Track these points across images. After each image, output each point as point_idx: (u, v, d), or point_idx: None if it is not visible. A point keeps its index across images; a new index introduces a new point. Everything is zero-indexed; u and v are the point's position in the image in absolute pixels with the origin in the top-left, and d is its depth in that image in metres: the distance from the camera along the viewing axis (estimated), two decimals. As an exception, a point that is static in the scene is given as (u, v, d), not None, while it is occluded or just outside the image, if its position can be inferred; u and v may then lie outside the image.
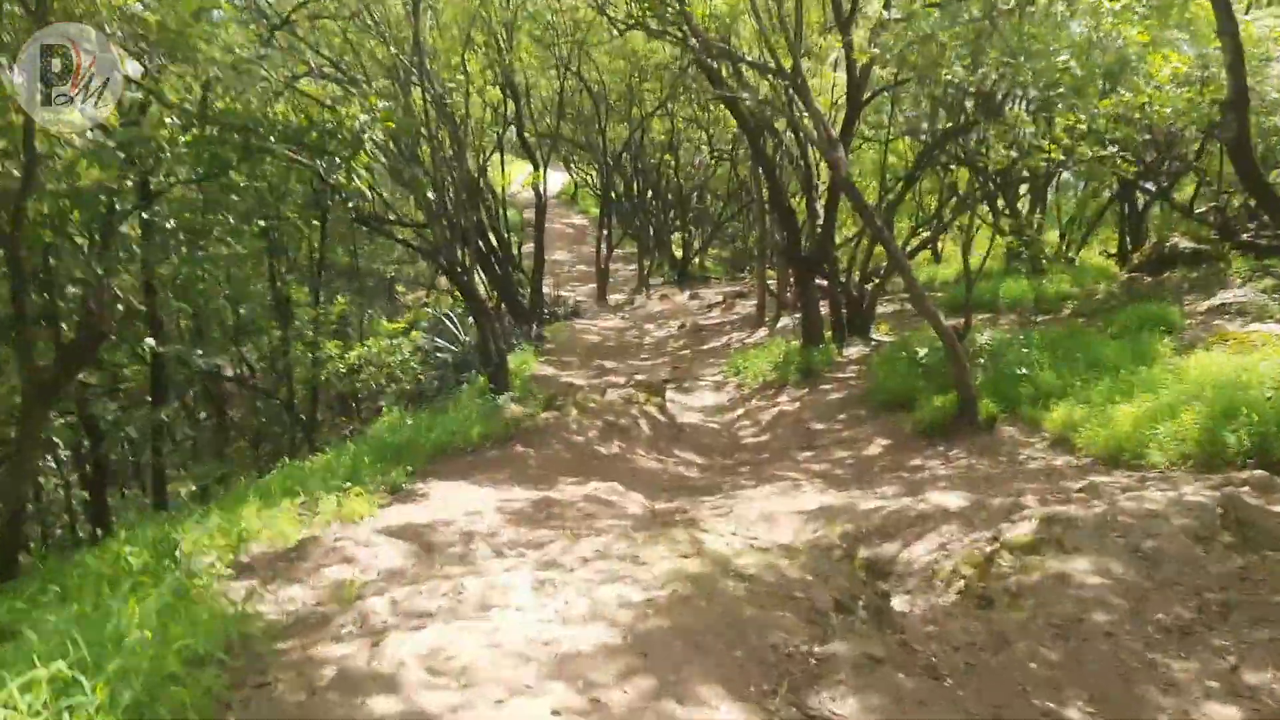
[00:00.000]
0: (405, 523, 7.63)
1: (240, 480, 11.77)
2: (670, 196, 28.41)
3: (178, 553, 5.80)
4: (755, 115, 15.49)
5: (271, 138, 10.27)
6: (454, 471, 9.99)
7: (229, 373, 18.29)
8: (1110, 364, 11.46)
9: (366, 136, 10.05)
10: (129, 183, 10.35)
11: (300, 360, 15.16)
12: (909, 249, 17.56)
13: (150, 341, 11.45)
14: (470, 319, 17.66)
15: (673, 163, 27.21)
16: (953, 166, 18.24)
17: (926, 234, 18.75)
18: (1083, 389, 10.93)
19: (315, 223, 17.84)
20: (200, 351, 11.32)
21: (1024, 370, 11.90)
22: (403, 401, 16.89)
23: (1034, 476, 9.20)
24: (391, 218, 17.66)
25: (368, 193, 14.70)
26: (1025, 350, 12.39)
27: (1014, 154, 10.67)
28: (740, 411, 13.99)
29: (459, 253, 14.58)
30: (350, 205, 15.06)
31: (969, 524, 6.73)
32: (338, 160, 10.19)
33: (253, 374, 18.54)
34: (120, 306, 10.23)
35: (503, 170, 22.34)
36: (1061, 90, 10.40)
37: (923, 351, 12.84)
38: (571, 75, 22.47)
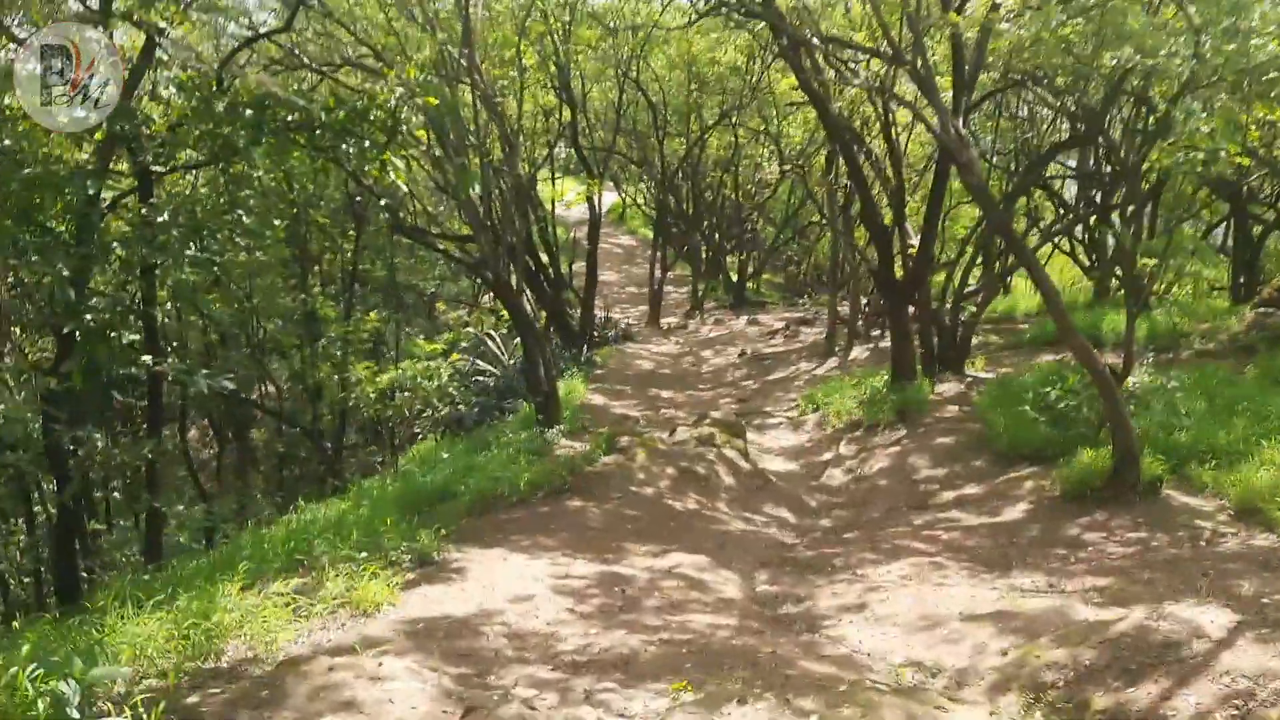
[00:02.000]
0: (435, 617, 5.46)
1: (244, 530, 9.65)
2: (727, 216, 26.20)
3: (68, 694, 3.60)
4: (845, 122, 13.29)
5: (290, 117, 8.21)
6: (497, 531, 7.78)
7: (248, 394, 16.30)
8: (1283, 418, 9.17)
9: (404, 116, 7.94)
10: (121, 168, 8.33)
11: (327, 383, 13.07)
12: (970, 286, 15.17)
13: (146, 359, 9.40)
14: (515, 340, 15.54)
15: (730, 181, 25.01)
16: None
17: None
18: (1265, 448, 8.60)
19: (351, 231, 15.84)
20: (206, 371, 9.24)
21: (1182, 421, 9.57)
22: (439, 429, 14.76)
23: (1237, 564, 6.89)
24: (434, 229, 15.64)
25: (406, 194, 12.66)
26: (1177, 396, 10.03)
27: (1197, 155, 8.33)
28: (828, 456, 11.69)
29: (506, 267, 12.46)
30: (386, 211, 13.02)
31: (1252, 658, 4.44)
32: (369, 147, 8.06)
33: (279, 395, 16.55)
34: (103, 317, 8.14)
35: (553, 182, 20.27)
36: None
37: (1052, 393, 10.49)
38: (630, 84, 20.38)
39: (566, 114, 17.62)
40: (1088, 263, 19.90)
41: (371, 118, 8.36)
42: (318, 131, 8.41)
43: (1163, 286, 18.99)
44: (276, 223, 12.29)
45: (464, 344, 18.61)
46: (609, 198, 34.28)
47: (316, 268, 17.56)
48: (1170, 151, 8.83)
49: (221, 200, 10.26)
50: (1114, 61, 9.64)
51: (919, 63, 9.12)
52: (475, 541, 7.40)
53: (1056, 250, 21.07)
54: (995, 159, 18.60)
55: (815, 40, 10.21)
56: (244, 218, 9.71)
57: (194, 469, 16.52)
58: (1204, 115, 9.12)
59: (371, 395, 13.04)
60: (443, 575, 6.46)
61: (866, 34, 13.81)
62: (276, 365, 14.42)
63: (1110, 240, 18.84)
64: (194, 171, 12.15)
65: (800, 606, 6.30)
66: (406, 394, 13.45)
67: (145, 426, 9.99)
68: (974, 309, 14.20)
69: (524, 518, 8.17)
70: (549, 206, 20.45)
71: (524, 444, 11.30)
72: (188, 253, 9.08)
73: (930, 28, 9.31)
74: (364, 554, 6.55)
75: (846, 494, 10.24)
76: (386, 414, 13.64)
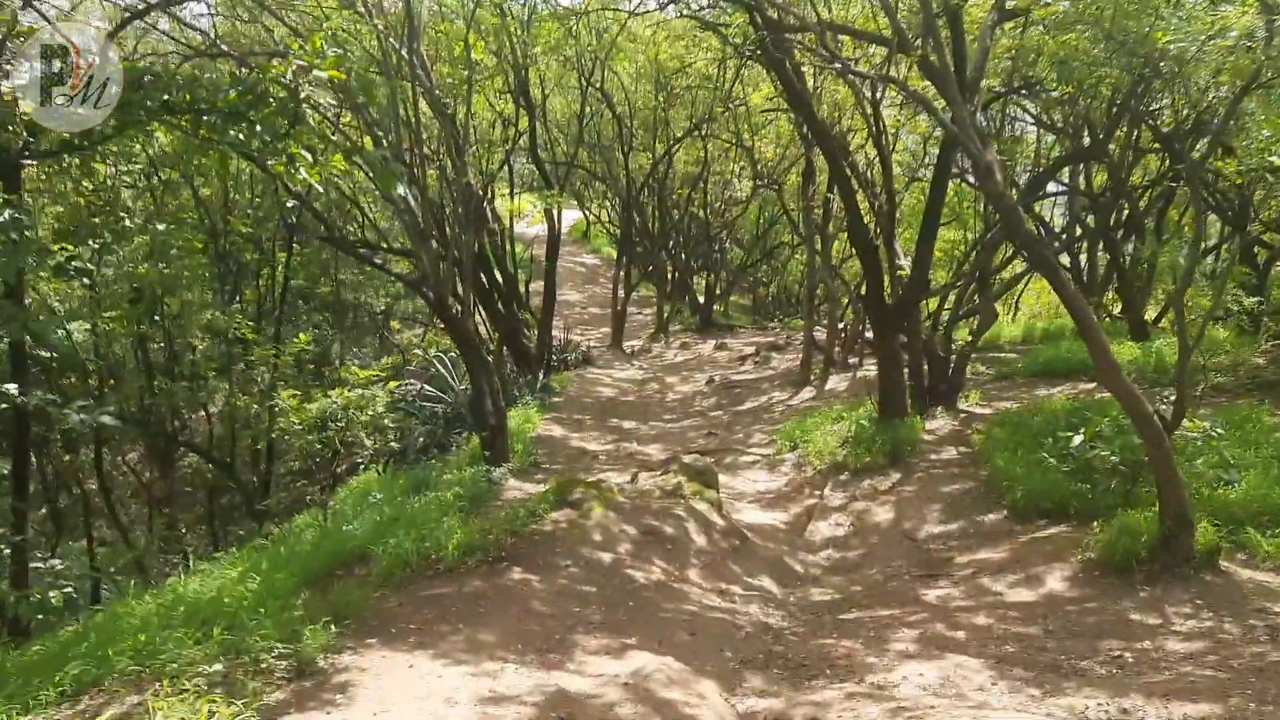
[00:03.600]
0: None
1: (117, 594, 7.76)
2: (694, 235, 24.58)
3: None
4: (828, 132, 11.74)
5: (166, 96, 6.47)
6: (413, 616, 6.00)
7: (179, 422, 14.33)
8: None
9: (304, 93, 6.21)
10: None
11: (244, 412, 11.20)
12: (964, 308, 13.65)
13: (10, 388, 7.55)
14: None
15: (699, 198, 23.40)
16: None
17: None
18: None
19: (288, 244, 13.99)
20: (82, 404, 7.44)
21: (1230, 476, 8.03)
22: (383, 459, 12.91)
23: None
24: (383, 244, 13.86)
25: (347, 205, 10.91)
26: (1219, 444, 8.48)
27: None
28: (810, 502, 10.02)
29: (454, 284, 10.73)
30: (316, 219, 11.22)
31: None
32: (262, 133, 6.31)
33: (208, 423, 14.60)
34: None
35: (512, 196, 18.54)
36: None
37: (1075, 439, 8.90)
38: (594, 92, 18.74)
39: (524, 121, 15.89)
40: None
41: (271, 100, 6.62)
42: (204, 116, 6.67)
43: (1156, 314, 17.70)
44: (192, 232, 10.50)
45: (412, 367, 16.80)
46: (572, 215, 32.59)
47: (255, 283, 15.68)
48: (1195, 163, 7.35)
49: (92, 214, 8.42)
50: (1125, 71, 8.25)
51: (932, 52, 7.55)
52: (381, 634, 5.62)
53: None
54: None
55: (809, 24, 8.56)
56: (129, 222, 7.89)
57: (110, 502, 14.50)
58: (1262, 118, 7.70)
59: (296, 425, 11.21)
60: (322, 694, 4.69)
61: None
62: (205, 392, 12.49)
63: (1102, 263, 17.54)
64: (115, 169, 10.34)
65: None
66: (338, 426, 11.64)
67: (10, 470, 8.08)
68: (969, 337, 12.66)
69: (450, 595, 6.39)
70: (506, 221, 18.71)
71: (465, 486, 9.55)
72: (51, 261, 7.27)
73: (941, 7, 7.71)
74: (222, 662, 4.77)
75: (836, 554, 8.58)
76: (315, 447, 11.78)
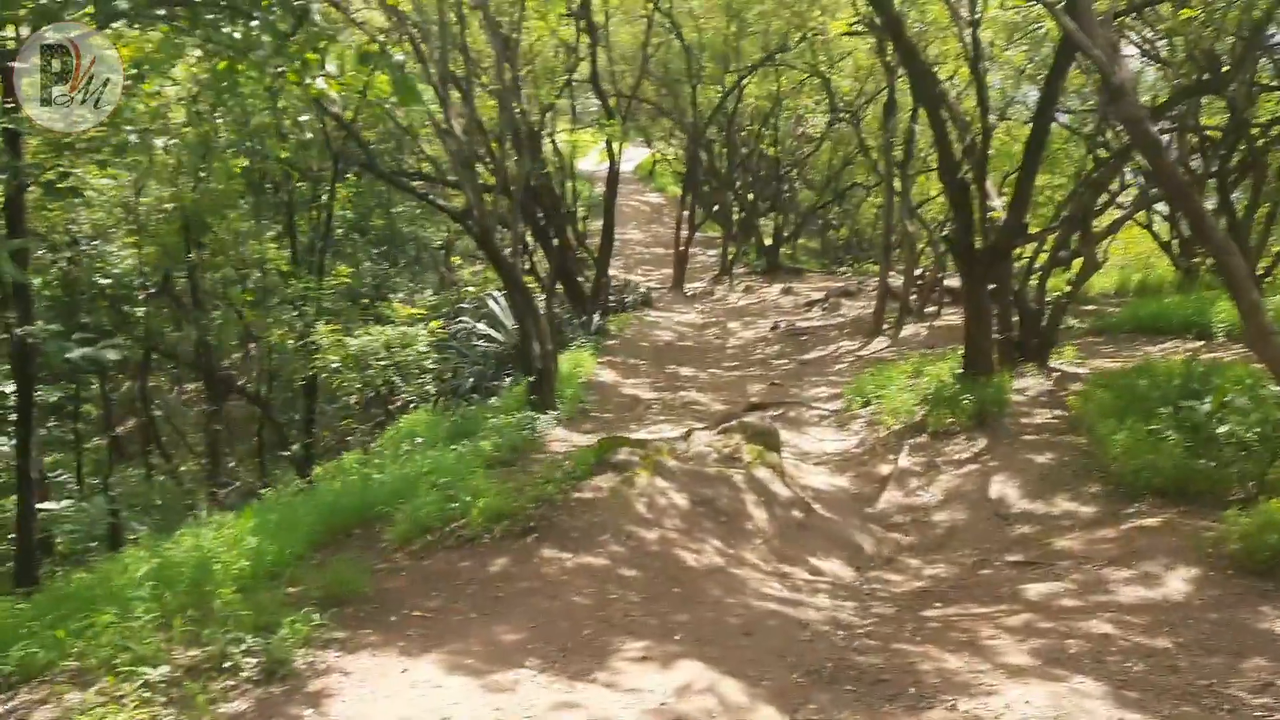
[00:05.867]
0: None
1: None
2: (762, 174, 23.05)
3: None
4: (916, 52, 10.27)
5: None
6: (417, 602, 5.02)
7: (225, 357, 13.62)
8: None
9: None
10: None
11: (281, 347, 10.36)
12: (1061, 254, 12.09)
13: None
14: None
15: (768, 135, 21.84)
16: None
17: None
18: None
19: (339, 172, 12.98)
20: (80, 336, 6.60)
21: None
22: (437, 397, 11.97)
23: None
24: (426, 169, 12.82)
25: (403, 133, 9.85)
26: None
27: None
28: (884, 469, 8.83)
29: (497, 219, 9.66)
30: (355, 143, 10.18)
31: None
32: (271, 37, 5.25)
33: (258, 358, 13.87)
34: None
35: (572, 128, 17.31)
36: None
37: (1198, 407, 7.54)
38: (661, 18, 17.28)
39: (585, 44, 14.57)
40: (1167, 238, 16.68)
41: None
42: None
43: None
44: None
45: (465, 304, 15.86)
46: (640, 153, 31.17)
47: (309, 214, 14.78)
48: None
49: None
50: None
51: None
52: (379, 623, 4.66)
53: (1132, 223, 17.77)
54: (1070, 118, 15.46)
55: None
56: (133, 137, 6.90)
57: (157, 433, 13.92)
58: None
59: (334, 363, 10.38)
60: (288, 708, 3.74)
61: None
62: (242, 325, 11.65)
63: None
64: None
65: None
66: (379, 364, 10.79)
67: (15, 404, 7.31)
68: (1066, 287, 11.20)
69: (468, 573, 5.40)
70: (567, 155, 17.51)
71: (505, 435, 8.57)
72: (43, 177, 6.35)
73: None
74: (184, 657, 3.85)
75: (916, 531, 7.41)
76: (356, 387, 10.94)
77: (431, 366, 10.91)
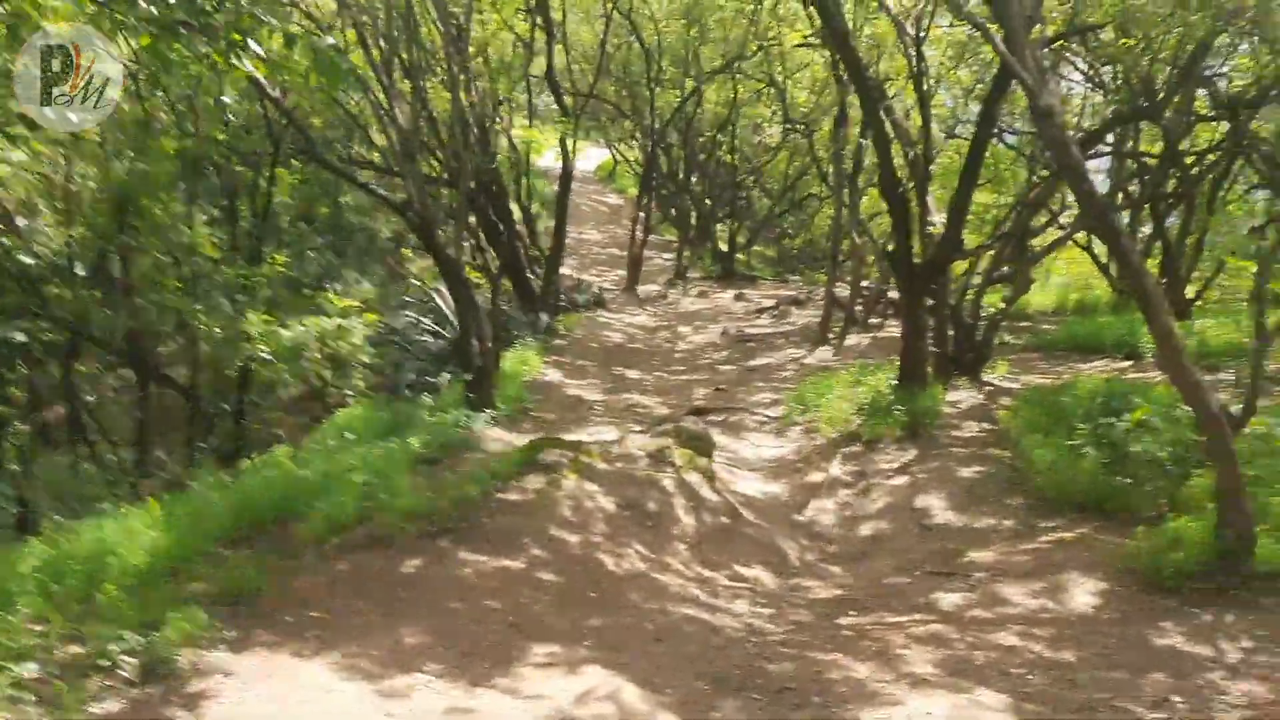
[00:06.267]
0: None
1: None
2: (719, 180, 23.12)
3: None
4: (863, 68, 10.35)
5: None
6: (323, 603, 4.94)
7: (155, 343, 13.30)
8: None
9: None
10: None
11: (207, 335, 10.14)
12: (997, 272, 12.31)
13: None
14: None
15: (725, 142, 21.91)
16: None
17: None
18: None
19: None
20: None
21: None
22: (369, 397, 11.81)
23: None
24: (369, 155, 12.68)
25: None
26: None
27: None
28: (817, 477, 8.88)
29: (461, 211, 9.57)
30: (293, 126, 10.03)
31: None
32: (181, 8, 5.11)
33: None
34: None
35: (530, 120, 17.21)
36: None
37: (1117, 425, 7.68)
38: (620, 21, 17.27)
39: (542, 38, 14.50)
40: (1106, 260, 16.99)
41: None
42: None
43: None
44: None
45: (409, 298, 15.71)
46: (602, 154, 31.12)
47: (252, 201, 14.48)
48: None
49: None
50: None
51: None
52: (275, 622, 4.56)
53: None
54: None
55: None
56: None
57: (80, 418, 13.55)
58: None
59: (265, 354, 10.19)
60: (163, 710, 3.64)
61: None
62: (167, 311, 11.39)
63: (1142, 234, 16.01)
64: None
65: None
66: (315, 356, 10.63)
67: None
68: (1000, 304, 11.36)
69: (378, 574, 5.31)
70: (523, 152, 17.42)
71: (437, 434, 8.49)
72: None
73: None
74: (59, 652, 3.73)
75: (841, 540, 7.45)
76: (288, 379, 10.77)
77: (369, 360, 10.76)
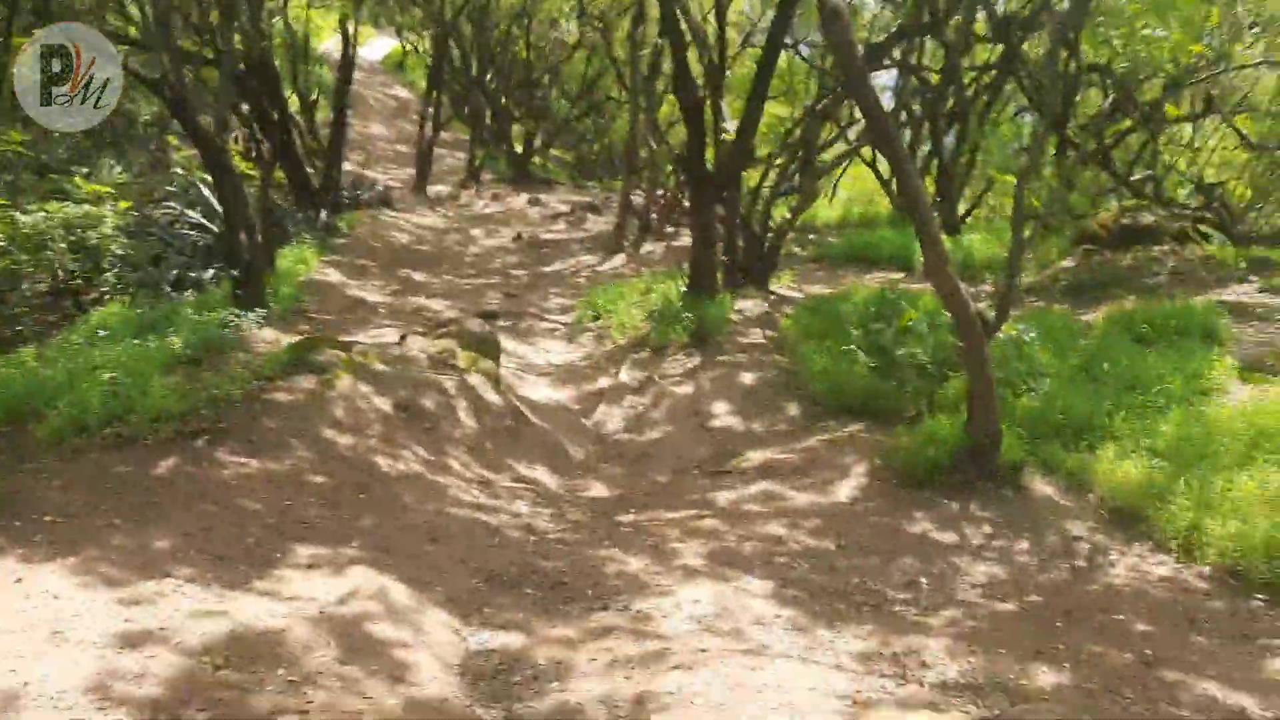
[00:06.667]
0: None
1: None
2: (515, 78, 22.41)
3: None
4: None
5: None
6: (65, 508, 4.50)
7: None
8: (1153, 385, 7.28)
9: None
10: None
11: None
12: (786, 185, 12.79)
13: None
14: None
15: (521, 36, 21.19)
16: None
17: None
18: (1141, 427, 6.69)
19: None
20: None
21: (1038, 387, 7.51)
22: (129, 294, 10.76)
23: (1141, 603, 4.90)
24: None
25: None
26: (1031, 350, 7.94)
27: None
28: (605, 383, 8.96)
29: (222, 92, 8.71)
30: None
31: None
32: None
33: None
34: None
35: (310, 6, 15.94)
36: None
37: (885, 332, 8.18)
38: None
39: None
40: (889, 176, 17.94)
41: None
42: None
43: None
44: None
45: (172, 187, 14.37)
46: (391, 42, 29.36)
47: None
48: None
49: None
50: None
51: None
52: (4, 528, 4.11)
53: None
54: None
55: None
56: None
57: None
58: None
59: (2, 242, 9.06)
60: None
61: None
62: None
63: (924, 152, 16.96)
64: None
65: (540, 703, 3.55)
66: (60, 246, 9.56)
67: None
68: (786, 215, 11.75)
69: (123, 476, 4.90)
70: (299, 35, 16.13)
71: (199, 332, 7.85)
72: None
73: None
74: None
75: (625, 444, 7.58)
76: (29, 270, 9.65)
77: (124, 254, 9.80)
